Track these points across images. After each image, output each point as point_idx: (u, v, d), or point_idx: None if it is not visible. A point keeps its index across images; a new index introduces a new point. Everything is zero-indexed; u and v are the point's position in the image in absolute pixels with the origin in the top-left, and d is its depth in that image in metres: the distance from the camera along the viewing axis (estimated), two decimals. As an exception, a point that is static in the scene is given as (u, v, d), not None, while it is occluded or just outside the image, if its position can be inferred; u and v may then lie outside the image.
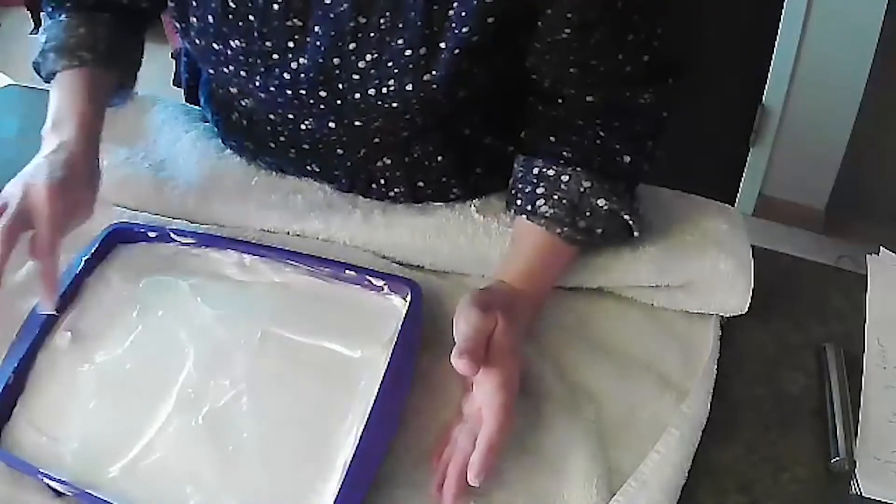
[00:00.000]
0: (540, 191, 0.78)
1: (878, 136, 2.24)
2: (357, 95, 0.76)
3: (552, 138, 0.79)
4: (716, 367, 0.77)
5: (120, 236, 0.84)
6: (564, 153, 0.78)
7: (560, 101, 0.79)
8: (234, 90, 0.83)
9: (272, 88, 0.79)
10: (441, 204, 0.87)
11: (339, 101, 0.77)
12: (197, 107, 1.00)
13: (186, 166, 0.91)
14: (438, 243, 0.83)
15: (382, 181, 0.86)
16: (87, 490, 0.65)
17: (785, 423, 0.74)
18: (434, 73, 0.73)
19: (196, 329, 0.76)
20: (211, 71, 0.83)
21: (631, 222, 0.78)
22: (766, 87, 2.03)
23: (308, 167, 0.87)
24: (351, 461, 0.65)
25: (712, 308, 0.80)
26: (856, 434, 0.73)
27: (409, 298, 0.76)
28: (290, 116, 0.81)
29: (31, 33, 2.96)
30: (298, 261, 0.81)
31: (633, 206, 0.79)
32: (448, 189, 0.86)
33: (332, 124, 0.80)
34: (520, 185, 0.80)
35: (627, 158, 0.78)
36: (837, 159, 2.10)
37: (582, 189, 0.77)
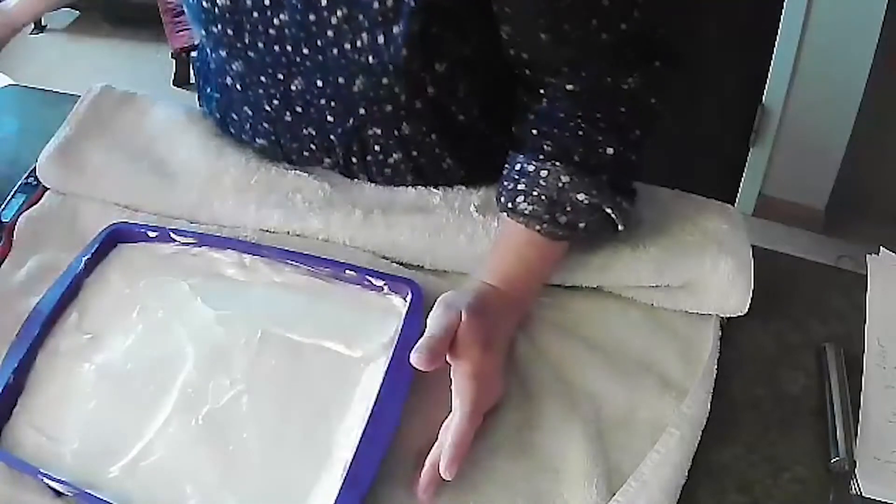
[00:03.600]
0: (520, 187, 0.77)
1: (878, 136, 2.24)
2: (335, 51, 0.78)
3: (534, 132, 0.78)
4: (716, 367, 0.77)
5: (120, 236, 0.84)
6: (545, 147, 0.77)
7: (542, 91, 0.79)
8: (223, 53, 0.85)
9: (260, 45, 0.81)
10: (441, 203, 0.87)
11: (321, 57, 0.79)
12: (197, 106, 1.01)
13: (186, 166, 0.91)
14: (438, 243, 0.83)
15: (377, 148, 0.86)
16: (87, 490, 0.65)
17: (785, 423, 0.74)
18: (401, 25, 0.74)
19: (196, 329, 0.76)
20: (203, 32, 0.85)
21: (613, 216, 0.78)
22: (766, 87, 2.03)
23: (304, 131, 0.88)
24: (351, 461, 0.65)
25: (712, 308, 0.80)
26: (856, 434, 0.73)
27: (409, 298, 0.76)
28: (280, 77, 0.83)
29: (31, 33, 2.96)
30: (298, 261, 0.81)
31: (615, 200, 0.77)
32: (441, 160, 0.87)
33: (319, 83, 0.82)
34: (504, 182, 0.80)
35: (611, 150, 0.77)
36: (837, 159, 2.10)
37: (560, 184, 0.76)
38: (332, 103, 0.83)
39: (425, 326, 0.70)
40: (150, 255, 0.83)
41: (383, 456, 0.67)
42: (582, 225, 0.77)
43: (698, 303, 0.81)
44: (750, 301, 0.79)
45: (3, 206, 0.90)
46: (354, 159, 0.88)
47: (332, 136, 0.87)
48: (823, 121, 2.05)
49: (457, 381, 0.69)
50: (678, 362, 0.77)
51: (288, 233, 0.86)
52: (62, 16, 3.06)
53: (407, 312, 0.75)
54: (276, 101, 0.86)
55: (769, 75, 2.01)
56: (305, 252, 0.82)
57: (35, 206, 0.89)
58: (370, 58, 0.77)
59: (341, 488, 0.64)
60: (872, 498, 0.69)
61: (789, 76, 1.99)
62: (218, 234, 0.85)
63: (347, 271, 0.79)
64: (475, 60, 0.81)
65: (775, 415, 0.75)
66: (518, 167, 0.78)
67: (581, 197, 0.76)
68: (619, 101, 0.77)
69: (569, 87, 0.77)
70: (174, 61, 2.69)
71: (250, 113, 0.90)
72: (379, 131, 0.84)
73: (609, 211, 0.77)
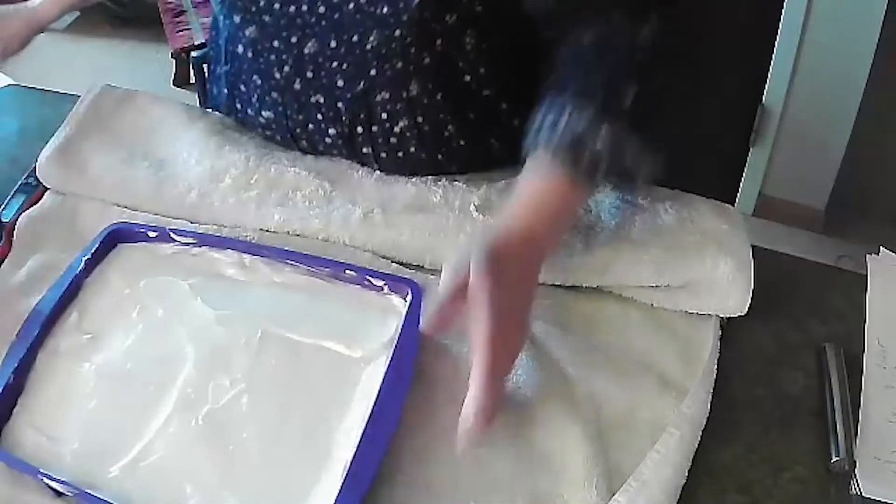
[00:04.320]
0: (544, 131, 0.77)
1: (878, 136, 2.25)
2: (351, 6, 0.82)
3: (557, 77, 0.79)
4: (716, 367, 0.77)
5: (120, 236, 0.84)
6: (568, 92, 0.77)
7: (563, 42, 0.80)
8: (237, 18, 0.87)
9: (276, 6, 0.84)
10: (441, 202, 0.86)
11: (336, 15, 0.82)
12: (197, 106, 1.01)
13: (186, 166, 0.91)
14: (438, 242, 0.83)
15: (384, 115, 0.88)
16: (87, 490, 0.65)
17: (785, 423, 0.74)
18: None
19: (196, 329, 0.76)
20: None
21: (632, 161, 0.76)
22: (766, 87, 2.03)
23: (313, 98, 0.89)
24: (351, 461, 0.65)
25: (712, 308, 0.80)
26: (856, 434, 0.73)
27: (409, 298, 0.76)
28: (293, 40, 0.86)
29: (31, 33, 2.95)
30: (298, 261, 0.81)
31: (635, 145, 0.76)
32: (444, 125, 0.89)
33: (332, 43, 0.84)
34: (529, 125, 0.79)
35: (630, 95, 0.77)
36: (837, 159, 2.10)
37: (583, 128, 0.75)
38: (344, 65, 0.85)
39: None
40: (150, 255, 0.83)
41: (383, 456, 0.67)
42: (603, 167, 0.75)
43: (698, 303, 0.81)
44: (750, 301, 0.79)
45: (3, 206, 0.90)
46: (360, 129, 0.89)
47: (339, 104, 0.88)
48: (823, 121, 2.06)
49: (473, 329, 0.67)
50: (678, 362, 0.77)
51: (288, 232, 0.86)
52: (62, 16, 3.05)
53: (407, 312, 0.75)
54: (287, 68, 0.88)
55: (769, 75, 2.01)
56: (305, 252, 0.82)
57: (35, 206, 0.89)
58: (385, 8, 0.80)
59: (341, 488, 0.64)
60: (872, 498, 0.69)
61: (789, 76, 1.99)
62: (218, 234, 0.85)
63: (347, 271, 0.79)
64: (484, 18, 0.83)
65: (775, 415, 0.75)
66: (542, 111, 0.78)
67: (600, 144, 0.75)
68: (638, 47, 0.78)
69: (588, 35, 0.79)
70: (174, 61, 2.69)
71: (259, 82, 0.92)
72: (387, 95, 0.87)
73: (629, 156, 0.76)
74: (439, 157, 0.91)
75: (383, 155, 0.91)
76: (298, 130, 0.92)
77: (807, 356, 0.79)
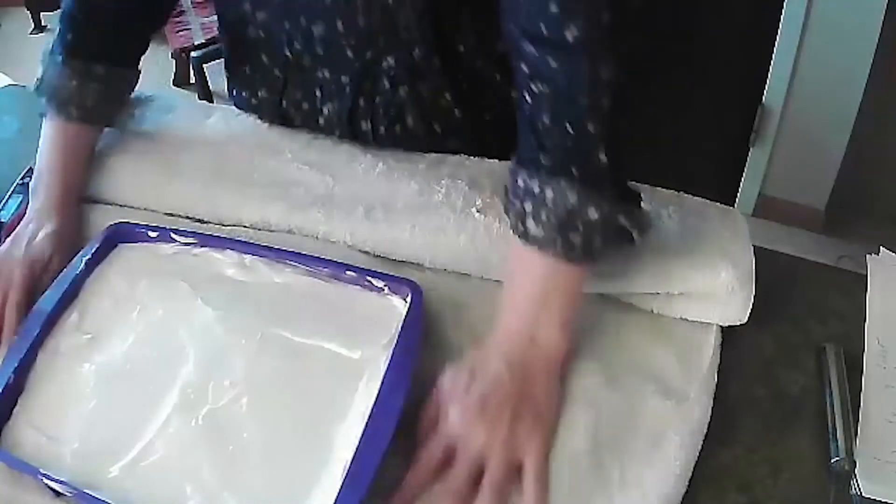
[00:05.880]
0: (528, 208, 0.71)
1: (878, 136, 2.25)
2: None
3: (527, 141, 0.72)
4: (717, 370, 0.77)
5: (120, 236, 0.84)
6: (542, 160, 0.71)
7: (526, 95, 0.72)
8: (247, 6, 0.91)
9: None
10: (443, 202, 0.86)
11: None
12: (201, 102, 1.01)
13: (188, 160, 0.91)
14: (439, 242, 0.83)
15: (387, 83, 0.90)
16: (86, 490, 0.65)
17: (785, 423, 0.74)
18: None
19: (196, 329, 0.76)
20: None
21: (629, 226, 0.72)
22: (766, 87, 2.03)
23: (319, 74, 0.92)
24: (351, 462, 0.65)
25: (711, 318, 0.80)
26: (856, 434, 0.73)
27: (409, 299, 0.76)
28: (303, 21, 0.88)
29: (30, 33, 2.96)
30: (298, 261, 0.81)
31: (626, 209, 0.71)
32: (442, 92, 0.91)
33: (340, 26, 0.87)
34: (509, 198, 0.74)
35: (604, 158, 0.70)
36: (837, 159, 2.10)
37: (569, 205, 0.69)
38: (352, 40, 0.88)
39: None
40: (150, 255, 0.83)
41: (383, 457, 0.67)
42: (598, 242, 0.71)
43: (698, 312, 0.80)
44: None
45: (0, 207, 0.90)
46: (363, 101, 0.91)
47: (344, 76, 0.91)
48: (823, 121, 2.06)
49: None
50: (679, 366, 0.77)
51: (289, 228, 0.86)
52: (62, 16, 3.05)
53: (407, 313, 0.75)
54: (296, 46, 0.91)
55: (769, 75, 2.01)
56: (305, 252, 0.82)
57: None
58: None
59: (341, 488, 0.64)
60: (872, 498, 0.69)
61: (789, 76, 1.99)
62: (218, 235, 0.85)
63: (347, 272, 0.79)
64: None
65: (775, 415, 0.75)
66: (522, 184, 0.72)
67: (592, 214, 0.70)
68: (599, 93, 0.70)
69: (541, 86, 0.71)
70: (174, 61, 2.70)
71: (267, 62, 0.95)
72: (393, 61, 0.89)
73: (624, 222, 0.71)
74: (436, 128, 0.93)
75: (381, 130, 0.92)
76: (293, 110, 0.95)
77: (807, 356, 0.79)
